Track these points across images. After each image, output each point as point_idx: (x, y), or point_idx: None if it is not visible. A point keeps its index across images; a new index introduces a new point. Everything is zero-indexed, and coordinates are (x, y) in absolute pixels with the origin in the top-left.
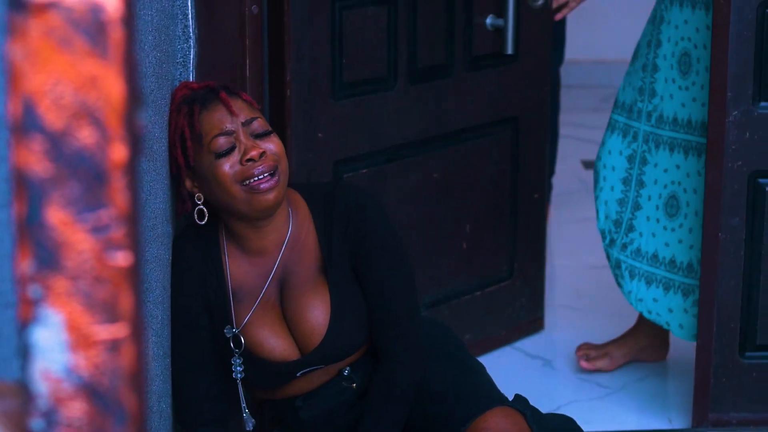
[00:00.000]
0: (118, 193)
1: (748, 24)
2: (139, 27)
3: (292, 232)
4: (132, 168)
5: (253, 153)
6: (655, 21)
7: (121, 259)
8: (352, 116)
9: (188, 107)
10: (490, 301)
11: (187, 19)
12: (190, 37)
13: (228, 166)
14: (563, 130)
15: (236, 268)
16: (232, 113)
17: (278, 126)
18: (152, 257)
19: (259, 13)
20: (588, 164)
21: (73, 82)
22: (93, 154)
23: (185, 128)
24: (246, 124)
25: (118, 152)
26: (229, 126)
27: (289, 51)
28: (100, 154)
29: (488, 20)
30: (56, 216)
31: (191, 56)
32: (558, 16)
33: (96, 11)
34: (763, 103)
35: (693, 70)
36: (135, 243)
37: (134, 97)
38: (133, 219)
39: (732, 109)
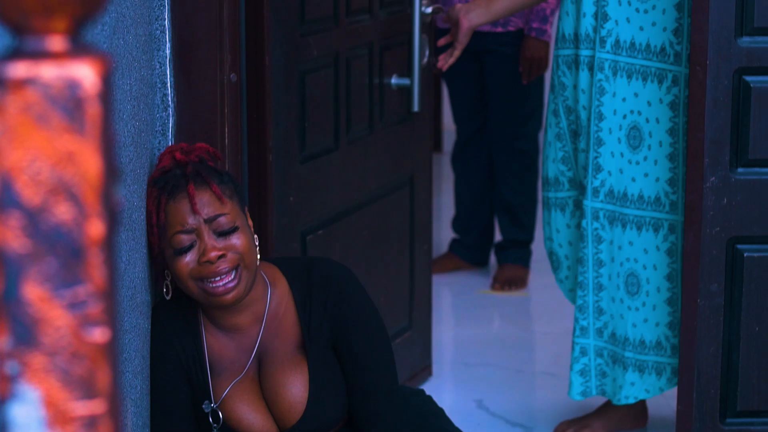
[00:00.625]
0: (95, 269)
1: (724, 90)
2: (118, 96)
3: (270, 309)
4: (109, 243)
5: (211, 255)
6: (555, 89)
7: (98, 335)
8: (311, 179)
9: (157, 193)
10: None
11: (165, 88)
12: (169, 106)
13: (186, 262)
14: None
15: (214, 341)
16: (194, 212)
17: (259, 192)
18: (131, 326)
19: (238, 81)
20: None
21: (50, 158)
22: (70, 230)
23: (153, 214)
24: (209, 221)
25: (95, 228)
26: (191, 222)
27: (270, 117)
28: (77, 230)
29: (393, 80)
30: (33, 292)
31: (170, 125)
32: (444, 67)
33: (73, 87)
34: (740, 169)
35: (644, 144)
36: (112, 319)
37: (111, 173)
38: (110, 295)
39: (709, 175)
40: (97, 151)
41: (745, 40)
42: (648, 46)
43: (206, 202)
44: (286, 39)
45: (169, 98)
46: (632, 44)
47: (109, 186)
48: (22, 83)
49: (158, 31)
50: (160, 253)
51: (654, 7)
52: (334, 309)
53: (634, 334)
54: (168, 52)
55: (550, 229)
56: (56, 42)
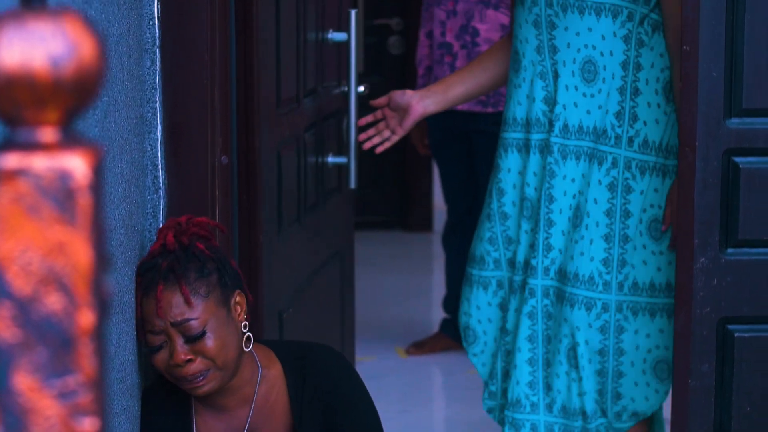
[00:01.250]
0: (85, 359)
1: (713, 171)
2: (109, 179)
3: (261, 392)
4: (99, 333)
5: (179, 359)
6: (494, 170)
7: (88, 425)
8: (285, 255)
9: (138, 283)
10: None
11: (157, 170)
12: (160, 188)
13: (160, 358)
14: None
15: (203, 423)
16: (158, 316)
17: (252, 270)
18: (120, 409)
19: (229, 164)
20: None
21: (41, 248)
22: (60, 320)
23: (136, 305)
24: (176, 324)
25: (86, 318)
26: (159, 324)
27: (261, 198)
28: (67, 321)
29: (329, 158)
30: (23, 382)
31: (161, 206)
32: (379, 150)
33: (64, 178)
34: (730, 250)
35: (583, 224)
36: (101, 408)
37: (102, 262)
38: (100, 384)
39: (699, 256)
40: (87, 242)
41: (734, 122)
42: (595, 129)
43: (174, 305)
44: (268, 119)
45: (160, 180)
46: (580, 128)
47: (100, 276)
48: (14, 174)
49: (150, 114)
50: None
51: (600, 91)
52: (328, 396)
53: (578, 403)
54: (159, 134)
55: (469, 305)
56: (48, 133)
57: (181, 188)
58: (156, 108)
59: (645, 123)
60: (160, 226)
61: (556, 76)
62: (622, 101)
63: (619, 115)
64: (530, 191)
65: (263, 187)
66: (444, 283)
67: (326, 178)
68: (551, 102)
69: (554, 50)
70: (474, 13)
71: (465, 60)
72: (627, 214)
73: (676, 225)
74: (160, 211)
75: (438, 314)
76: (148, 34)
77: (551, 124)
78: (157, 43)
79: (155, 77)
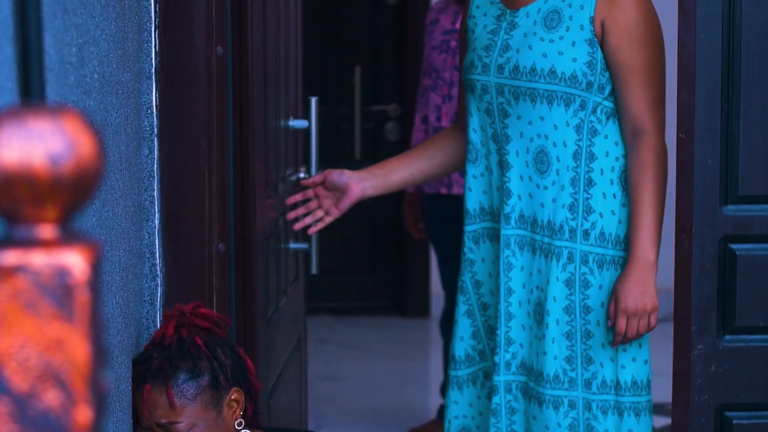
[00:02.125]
0: None
1: (710, 258)
2: (107, 268)
3: None
4: (96, 429)
5: None
6: (463, 265)
7: None
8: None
9: (133, 373)
10: None
11: (154, 258)
12: (157, 275)
13: None
14: None
15: None
16: (143, 415)
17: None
18: None
19: (226, 251)
20: None
21: (39, 344)
22: (58, 417)
23: (133, 395)
24: (161, 426)
25: (83, 414)
26: (146, 422)
27: (257, 284)
28: (64, 417)
29: (291, 245)
30: None
31: (158, 294)
32: (311, 231)
33: (63, 275)
34: (727, 336)
35: (545, 322)
36: None
37: (99, 359)
38: None
39: (697, 343)
40: (85, 338)
41: (730, 209)
42: (549, 223)
43: (159, 406)
44: (261, 206)
45: (158, 268)
46: (534, 221)
47: (97, 372)
48: (12, 271)
49: (147, 202)
50: None
51: (553, 183)
52: None
53: None
54: (157, 222)
55: (458, 408)
56: (46, 230)
57: (179, 276)
58: (154, 196)
59: (601, 215)
60: (158, 314)
61: (509, 166)
62: (575, 193)
63: (572, 208)
64: (491, 281)
65: (258, 274)
66: (441, 368)
67: (290, 263)
68: (507, 193)
69: (507, 139)
70: None
71: None
72: (587, 310)
73: (622, 322)
74: (157, 298)
75: (436, 400)
76: (146, 123)
77: (507, 216)
78: (155, 131)
79: (153, 165)
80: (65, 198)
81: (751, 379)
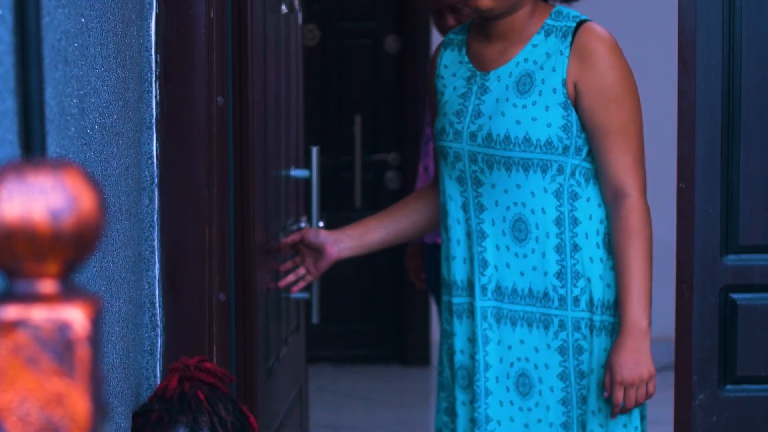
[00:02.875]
0: None
1: (711, 308)
2: (107, 319)
3: None
4: None
5: None
6: (442, 335)
7: None
8: (272, 393)
9: (133, 426)
10: None
11: (154, 308)
12: (157, 325)
13: None
14: None
15: None
16: None
17: (252, 399)
18: None
19: (226, 301)
20: None
21: (40, 399)
22: None
23: None
24: None
25: None
26: None
27: (257, 335)
28: None
29: (292, 295)
30: None
31: (158, 344)
32: (294, 289)
33: (63, 330)
34: (729, 386)
35: (535, 391)
36: None
37: (99, 413)
38: None
39: (698, 392)
40: (85, 393)
41: (731, 258)
42: (530, 291)
43: None
44: (261, 254)
45: (158, 318)
46: (514, 290)
47: (97, 427)
48: (13, 326)
49: (147, 252)
50: None
51: (533, 251)
52: None
53: None
54: (157, 272)
55: None
56: (47, 285)
57: (179, 326)
58: (154, 246)
59: (589, 280)
60: (158, 364)
61: (483, 235)
62: (561, 260)
63: (560, 275)
64: (465, 359)
65: (258, 324)
66: None
67: (291, 313)
68: (482, 263)
69: (481, 208)
70: None
71: None
72: (581, 375)
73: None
74: (157, 349)
75: None
76: (146, 173)
77: (483, 288)
78: (156, 181)
79: (153, 215)
80: (66, 253)
81: (752, 428)
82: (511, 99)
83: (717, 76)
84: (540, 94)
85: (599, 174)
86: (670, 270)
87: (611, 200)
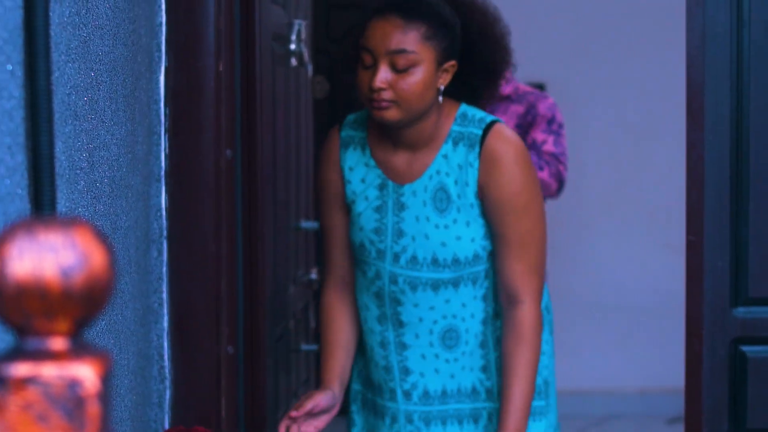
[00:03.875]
0: None
1: (721, 360)
2: (116, 372)
3: None
4: None
5: None
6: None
7: None
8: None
9: None
10: None
11: (163, 360)
12: (166, 378)
13: None
14: None
15: None
16: None
17: None
18: None
19: (235, 354)
20: None
21: None
22: None
23: None
24: None
25: None
26: None
27: (265, 390)
28: None
29: (301, 346)
30: None
31: (167, 397)
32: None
33: (73, 387)
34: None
35: None
36: None
37: None
38: None
39: None
40: None
41: (741, 311)
42: (459, 389)
43: None
44: (271, 308)
45: (167, 370)
46: (444, 392)
47: None
48: (24, 383)
49: (156, 304)
50: None
51: (463, 353)
52: None
53: None
54: (166, 324)
55: None
56: (57, 342)
57: (188, 378)
58: (162, 298)
59: None
60: (166, 416)
61: (404, 346)
62: (486, 354)
63: (485, 369)
64: None
65: (267, 376)
66: None
67: (301, 365)
68: (404, 371)
69: (401, 324)
70: None
71: None
72: None
73: None
74: (166, 401)
75: None
76: (155, 225)
77: (407, 393)
78: (165, 233)
79: (162, 268)
80: (76, 310)
81: None
82: (432, 218)
83: (725, 127)
84: (458, 211)
85: (496, 276)
86: (680, 320)
87: (505, 303)
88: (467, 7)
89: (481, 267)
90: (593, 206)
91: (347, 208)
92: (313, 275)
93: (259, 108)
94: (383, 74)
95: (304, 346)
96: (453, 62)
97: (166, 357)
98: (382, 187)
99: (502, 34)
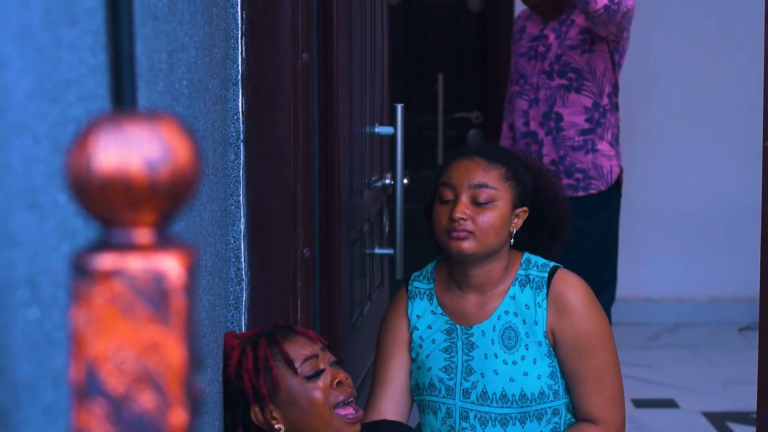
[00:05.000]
0: None
1: None
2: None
3: None
4: (190, 431)
5: (341, 376)
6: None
7: None
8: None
9: (267, 338)
10: None
11: (240, 262)
12: (242, 280)
13: (320, 391)
14: None
15: None
16: (313, 338)
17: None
18: None
19: (311, 256)
20: (638, 403)
21: (135, 347)
22: (153, 419)
23: (269, 357)
24: (324, 349)
25: (178, 417)
26: (313, 351)
27: (340, 290)
28: (160, 419)
29: (376, 250)
30: None
31: (243, 298)
32: None
33: (159, 279)
34: None
35: None
36: None
37: (194, 362)
38: None
39: None
40: (181, 342)
41: None
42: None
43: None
44: (346, 211)
45: (243, 272)
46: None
47: (192, 375)
48: (109, 275)
49: (233, 207)
50: (279, 398)
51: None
52: None
53: None
54: (243, 227)
55: None
56: (143, 235)
57: (264, 280)
58: (239, 201)
59: None
60: (243, 317)
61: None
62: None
63: (552, 375)
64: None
65: (342, 279)
66: None
67: (375, 269)
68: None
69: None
70: (556, 98)
71: (551, 147)
72: None
73: None
74: (242, 302)
75: None
76: (232, 129)
77: (466, 392)
78: (242, 137)
79: (239, 171)
80: (162, 203)
81: None
82: (500, 355)
83: None
84: (527, 348)
85: (576, 411)
86: (754, 230)
87: (581, 418)
88: (538, 172)
89: (546, 404)
90: (665, 115)
91: (407, 354)
92: (388, 180)
93: (335, 12)
94: (464, 205)
95: (378, 250)
96: (525, 209)
97: (243, 259)
98: (449, 332)
99: (567, 208)
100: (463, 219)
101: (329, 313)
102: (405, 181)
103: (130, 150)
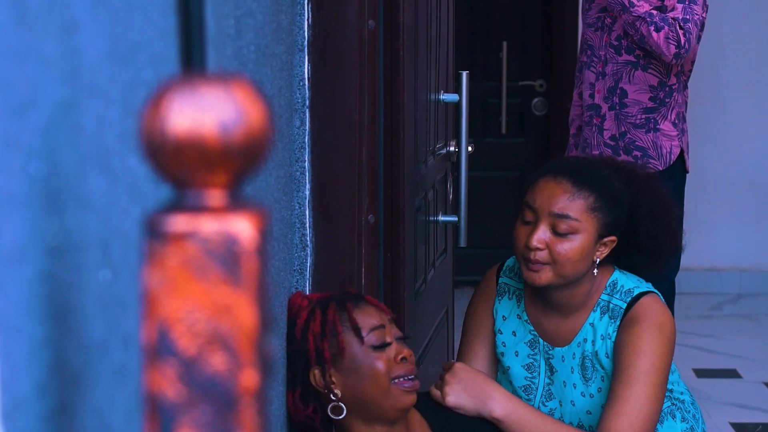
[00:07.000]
0: (248, 419)
1: None
2: None
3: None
4: (262, 393)
5: (405, 352)
6: None
7: None
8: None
9: (337, 303)
10: None
11: (304, 228)
12: (307, 246)
13: (383, 362)
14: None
15: None
16: (382, 310)
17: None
18: None
19: (375, 223)
20: (700, 372)
21: (207, 309)
22: (225, 380)
23: (337, 322)
24: (391, 321)
25: (249, 378)
26: (381, 322)
27: (404, 258)
28: (231, 381)
29: (440, 217)
30: None
31: (308, 264)
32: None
33: (231, 242)
34: None
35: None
36: None
37: (266, 324)
38: None
39: None
40: (253, 304)
41: None
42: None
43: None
44: (411, 178)
45: (308, 238)
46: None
47: (264, 337)
48: (182, 236)
49: (298, 173)
50: (342, 365)
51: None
52: None
53: None
54: (307, 193)
55: None
56: (216, 197)
57: (329, 246)
58: (305, 167)
59: None
60: (307, 283)
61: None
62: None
63: None
64: None
65: (407, 246)
66: None
67: (439, 236)
68: None
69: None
70: (623, 74)
71: (613, 122)
72: None
73: None
74: (307, 268)
75: None
76: (298, 95)
77: None
78: (307, 103)
79: (304, 137)
80: (235, 165)
81: None
82: (578, 386)
83: None
84: (603, 380)
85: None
86: None
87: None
88: (640, 186)
89: None
90: (731, 84)
91: (490, 351)
92: (452, 147)
93: None
94: (542, 234)
95: (443, 217)
96: (613, 238)
97: (307, 225)
98: (532, 344)
99: (672, 220)
100: (539, 249)
101: (393, 280)
102: (469, 148)
103: (204, 112)
